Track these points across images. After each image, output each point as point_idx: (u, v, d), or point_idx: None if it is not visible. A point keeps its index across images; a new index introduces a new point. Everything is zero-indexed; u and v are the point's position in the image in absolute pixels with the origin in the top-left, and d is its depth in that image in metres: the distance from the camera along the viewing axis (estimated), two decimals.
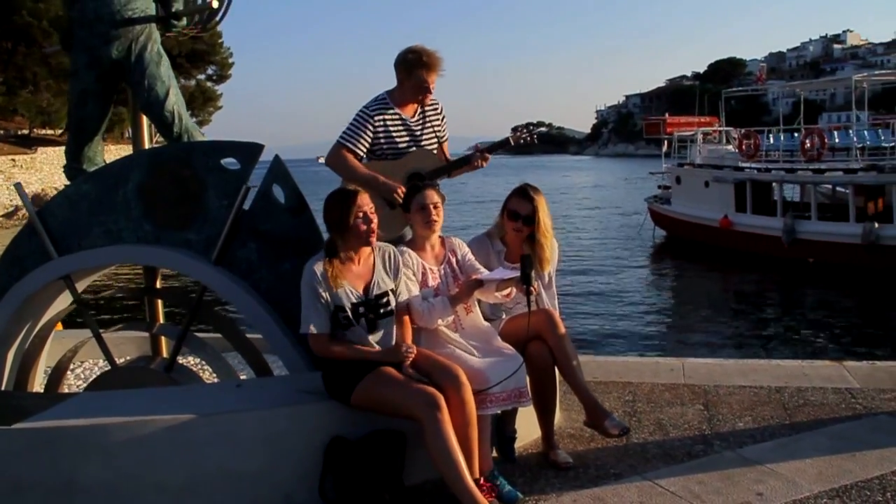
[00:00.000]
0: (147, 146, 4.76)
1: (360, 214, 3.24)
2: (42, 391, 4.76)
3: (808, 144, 19.59)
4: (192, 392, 3.73)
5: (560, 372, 3.73)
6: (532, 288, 3.42)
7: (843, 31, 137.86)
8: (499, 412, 3.47)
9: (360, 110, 4.08)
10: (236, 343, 4.43)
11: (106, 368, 5.82)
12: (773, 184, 21.06)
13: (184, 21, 4.62)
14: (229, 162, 4.31)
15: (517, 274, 3.48)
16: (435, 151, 4.18)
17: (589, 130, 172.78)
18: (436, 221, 3.57)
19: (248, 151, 4.29)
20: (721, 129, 26.85)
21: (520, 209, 3.86)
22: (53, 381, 4.65)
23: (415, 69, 4.00)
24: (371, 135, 4.04)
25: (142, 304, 4.95)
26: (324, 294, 3.21)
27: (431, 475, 3.44)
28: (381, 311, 3.34)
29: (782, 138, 21.99)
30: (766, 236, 19.41)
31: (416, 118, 4.14)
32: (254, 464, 3.17)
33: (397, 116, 4.09)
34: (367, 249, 3.37)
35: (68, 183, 4.57)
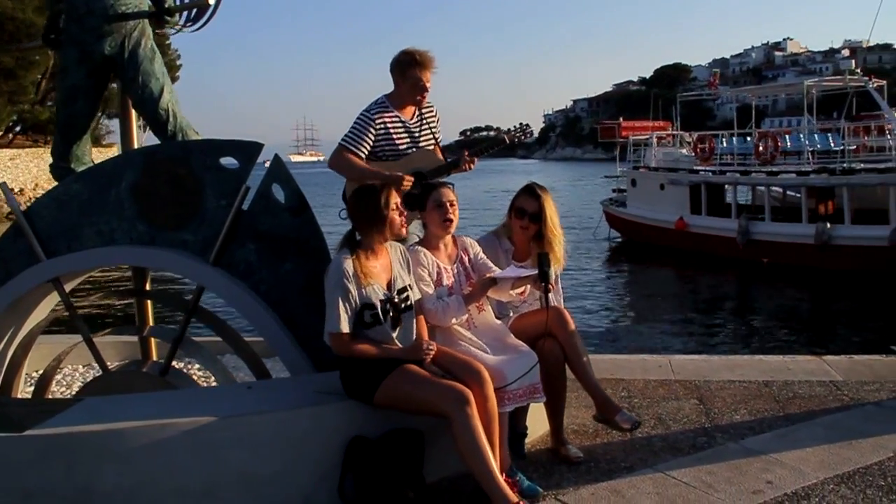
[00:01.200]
0: (135, 146, 4.67)
1: (395, 206, 3.25)
2: (28, 398, 4.62)
3: (762, 148, 20.12)
4: (206, 395, 3.67)
5: (571, 368, 3.76)
6: (550, 286, 3.45)
7: (784, 39, 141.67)
8: (512, 409, 3.49)
9: (362, 113, 4.08)
10: (235, 345, 4.37)
11: (87, 374, 5.73)
12: (726, 186, 21.54)
13: (176, 17, 4.54)
14: (228, 161, 4.25)
15: (534, 272, 3.52)
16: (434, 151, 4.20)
17: (537, 135, 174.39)
18: (452, 220, 3.58)
19: (247, 151, 4.24)
20: (675, 132, 27.38)
21: (526, 206, 3.89)
22: (41, 387, 4.52)
23: (409, 69, 4.03)
24: (373, 137, 4.04)
25: (128, 307, 4.84)
26: (353, 292, 3.19)
27: (448, 473, 3.47)
28: (403, 306, 3.34)
29: (735, 141, 22.52)
30: (722, 237, 19.84)
31: (414, 120, 4.17)
32: (273, 466, 3.13)
33: (397, 119, 4.11)
34: (383, 246, 3.36)
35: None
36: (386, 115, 4.07)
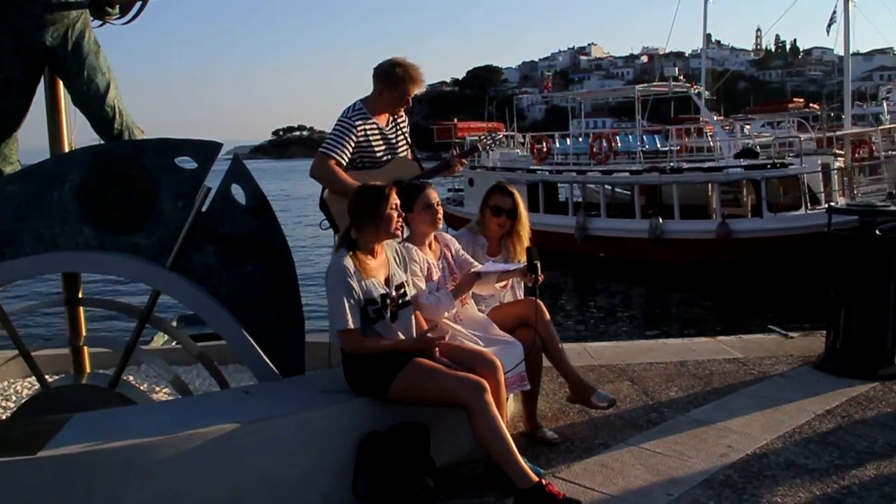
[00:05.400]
0: (67, 147, 4.35)
1: (394, 206, 3.32)
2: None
3: (597, 148, 21.56)
4: (209, 402, 3.53)
5: (548, 355, 4.00)
6: (539, 277, 3.67)
7: (588, 45, 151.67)
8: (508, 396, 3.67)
9: (342, 120, 4.07)
10: (191, 353, 4.21)
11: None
12: (559, 185, 22.84)
13: (116, 9, 4.29)
14: (184, 161, 4.09)
15: (519, 266, 3.74)
16: (409, 157, 4.29)
17: None
18: (440, 220, 3.72)
19: (205, 150, 4.09)
20: (510, 133, 28.59)
21: (502, 204, 4.09)
22: None
23: (401, 83, 4.06)
24: (353, 144, 4.04)
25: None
26: (356, 288, 3.23)
27: (442, 462, 3.57)
28: (401, 301, 3.42)
29: (569, 142, 23.94)
30: (560, 233, 20.98)
31: (389, 126, 4.21)
32: (295, 469, 3.11)
33: (374, 125, 4.13)
34: (380, 245, 3.43)
35: None
36: (366, 122, 4.08)
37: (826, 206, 15.99)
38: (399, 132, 4.25)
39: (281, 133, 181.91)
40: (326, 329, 4.02)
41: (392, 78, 4.06)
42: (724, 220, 17.68)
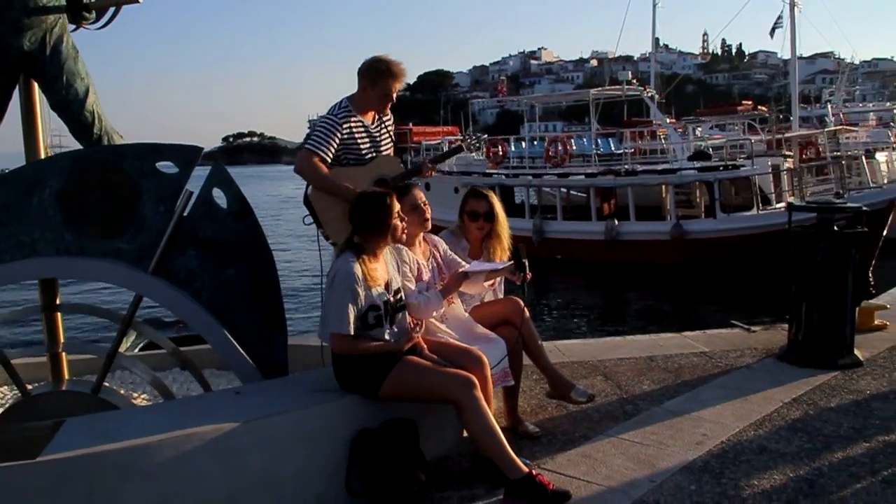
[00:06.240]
0: (42, 152, 4.32)
1: (398, 214, 3.39)
2: None
3: (553, 152, 21.83)
4: (205, 403, 3.53)
5: (528, 352, 4.11)
6: (526, 275, 3.77)
7: (539, 49, 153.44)
8: None
9: (327, 117, 4.10)
10: (175, 357, 4.22)
11: None
12: (515, 188, 23.06)
13: (93, 14, 4.28)
14: (165, 165, 4.10)
15: (507, 265, 3.85)
16: (393, 155, 4.35)
17: (301, 140, 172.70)
18: (428, 219, 3.80)
19: (186, 154, 4.12)
20: (470, 137, 28.72)
21: (478, 209, 4.20)
22: None
23: (381, 79, 4.08)
24: (338, 141, 4.07)
25: None
26: (361, 294, 3.29)
27: (429, 457, 3.64)
28: (398, 304, 3.49)
29: (524, 146, 24.19)
30: (517, 237, 21.03)
31: (375, 125, 4.24)
32: (291, 467, 3.16)
33: (360, 123, 4.16)
34: (381, 249, 3.50)
35: None
36: (350, 119, 4.11)
37: (780, 205, 16.57)
38: (384, 130, 4.29)
39: (231, 139, 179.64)
40: (312, 331, 4.08)
41: (372, 73, 4.08)
42: (679, 222, 18.09)
